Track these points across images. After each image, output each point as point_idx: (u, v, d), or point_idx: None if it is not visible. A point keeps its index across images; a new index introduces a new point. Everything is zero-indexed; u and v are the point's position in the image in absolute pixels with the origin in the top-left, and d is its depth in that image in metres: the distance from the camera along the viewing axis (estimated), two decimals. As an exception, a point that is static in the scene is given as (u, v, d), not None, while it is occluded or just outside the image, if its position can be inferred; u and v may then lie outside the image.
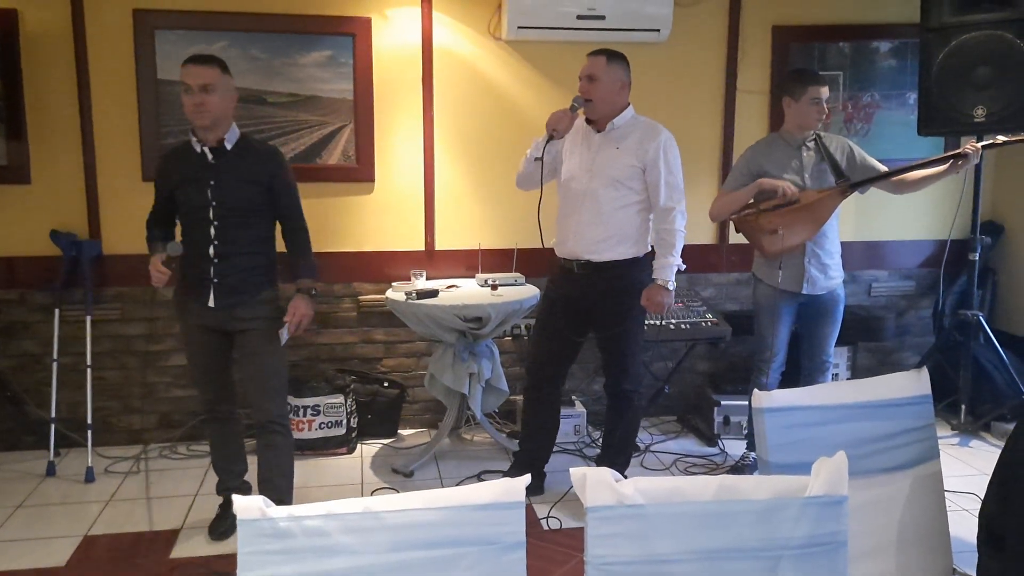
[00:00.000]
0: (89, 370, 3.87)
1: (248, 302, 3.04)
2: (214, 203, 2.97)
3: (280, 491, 3.05)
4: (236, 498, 1.44)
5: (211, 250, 2.99)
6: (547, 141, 3.28)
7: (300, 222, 3.14)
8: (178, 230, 3.14)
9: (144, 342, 4.13)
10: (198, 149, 2.98)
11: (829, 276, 3.61)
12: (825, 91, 3.53)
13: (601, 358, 3.55)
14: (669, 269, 3.28)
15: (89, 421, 3.85)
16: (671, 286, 3.28)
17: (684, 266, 3.34)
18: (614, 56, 3.30)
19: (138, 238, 3.96)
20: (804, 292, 3.59)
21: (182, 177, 3.00)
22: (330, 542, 1.44)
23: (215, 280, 3.00)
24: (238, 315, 3.03)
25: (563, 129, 3.25)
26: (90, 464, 3.77)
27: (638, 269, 3.35)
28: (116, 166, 4.01)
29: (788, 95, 3.57)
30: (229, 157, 3.00)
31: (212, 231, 2.98)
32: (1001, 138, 3.50)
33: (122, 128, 3.98)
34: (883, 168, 3.57)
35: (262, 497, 1.44)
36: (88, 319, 3.89)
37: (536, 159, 3.30)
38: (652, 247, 3.38)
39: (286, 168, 3.11)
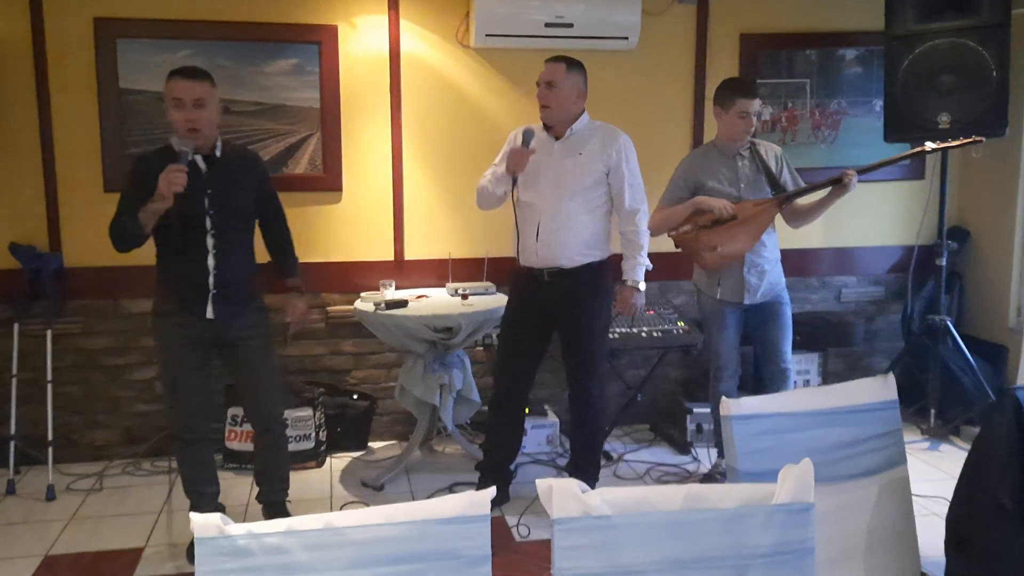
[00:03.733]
0: (50, 385, 3.79)
1: (245, 311, 3.05)
2: (211, 212, 2.94)
3: (284, 483, 3.27)
4: (193, 515, 1.41)
5: (209, 261, 2.95)
6: (513, 182, 3.30)
7: (286, 223, 3.25)
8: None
9: (107, 356, 4.06)
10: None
11: (769, 282, 3.58)
12: (755, 105, 3.46)
13: (566, 365, 3.53)
14: (639, 270, 3.36)
15: (50, 437, 3.76)
16: (642, 286, 3.37)
17: (651, 265, 3.41)
18: (573, 64, 3.30)
19: (101, 250, 3.91)
20: (746, 302, 3.59)
21: None
22: (290, 559, 1.40)
23: (214, 291, 2.97)
24: (238, 325, 3.03)
25: (524, 167, 3.27)
26: (51, 482, 3.69)
27: (604, 272, 3.40)
28: (77, 177, 3.93)
29: (718, 105, 3.55)
30: (220, 164, 2.99)
31: (209, 241, 2.95)
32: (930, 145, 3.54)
33: (83, 139, 3.91)
34: (802, 184, 3.57)
35: (219, 515, 1.41)
36: (49, 333, 3.80)
37: (504, 192, 3.38)
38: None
39: (267, 171, 3.19)
